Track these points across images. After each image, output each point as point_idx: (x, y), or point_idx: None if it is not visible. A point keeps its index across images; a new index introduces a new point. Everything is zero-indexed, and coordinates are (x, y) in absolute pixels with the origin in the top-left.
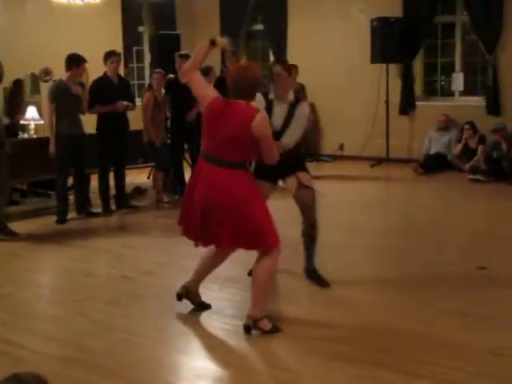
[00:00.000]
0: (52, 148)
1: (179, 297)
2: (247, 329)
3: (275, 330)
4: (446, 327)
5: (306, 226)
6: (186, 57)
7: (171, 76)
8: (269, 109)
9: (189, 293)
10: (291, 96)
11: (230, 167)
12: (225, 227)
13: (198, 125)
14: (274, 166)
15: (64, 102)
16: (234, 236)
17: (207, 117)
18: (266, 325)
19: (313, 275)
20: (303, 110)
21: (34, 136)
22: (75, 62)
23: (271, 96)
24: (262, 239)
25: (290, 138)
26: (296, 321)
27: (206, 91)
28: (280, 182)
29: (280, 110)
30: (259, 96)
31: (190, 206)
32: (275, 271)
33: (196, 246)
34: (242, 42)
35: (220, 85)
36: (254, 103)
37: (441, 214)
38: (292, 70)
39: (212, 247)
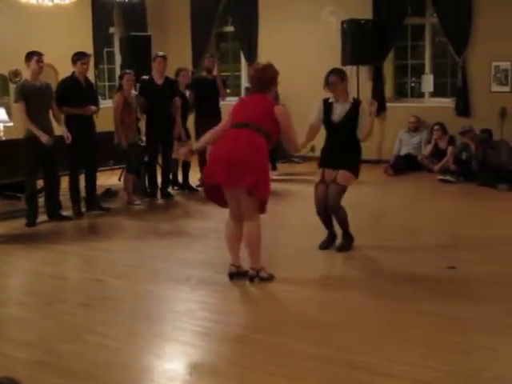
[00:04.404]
0: (44, 138)
1: (230, 275)
2: (251, 279)
3: (271, 277)
4: (418, 327)
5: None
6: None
7: (145, 77)
8: (329, 108)
9: (238, 268)
10: (351, 98)
11: (254, 130)
12: (244, 175)
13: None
14: (334, 155)
15: (30, 101)
16: (250, 182)
17: (235, 109)
18: (264, 274)
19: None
20: (365, 108)
21: (3, 138)
22: (27, 56)
23: (332, 100)
24: (264, 191)
25: (363, 132)
26: (265, 323)
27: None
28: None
29: (340, 109)
30: (320, 103)
31: (216, 160)
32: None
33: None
34: (213, 43)
35: (194, 84)
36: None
37: (410, 214)
38: (345, 77)
39: (227, 228)
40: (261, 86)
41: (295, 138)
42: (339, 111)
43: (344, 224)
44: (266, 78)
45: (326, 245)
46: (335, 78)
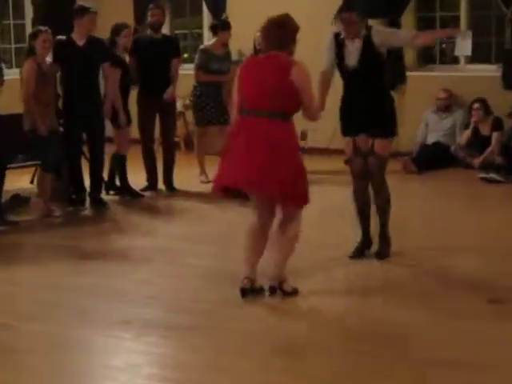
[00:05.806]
0: None
1: (244, 291)
2: (273, 290)
3: (295, 291)
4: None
5: (373, 194)
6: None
7: (62, 37)
8: (340, 48)
9: (254, 282)
10: (362, 32)
11: (272, 117)
12: (274, 175)
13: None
14: (361, 117)
15: None
16: (281, 185)
17: (243, 76)
18: (288, 287)
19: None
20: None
21: None
22: None
23: (342, 35)
24: (302, 195)
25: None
26: (230, 379)
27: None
28: None
29: (352, 48)
30: (331, 40)
31: (233, 159)
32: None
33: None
34: None
35: (137, 46)
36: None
37: (441, 227)
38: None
39: (250, 231)
40: (275, 44)
41: (315, 108)
42: (351, 50)
43: (385, 209)
44: (282, 34)
45: (359, 251)
46: (354, 17)
